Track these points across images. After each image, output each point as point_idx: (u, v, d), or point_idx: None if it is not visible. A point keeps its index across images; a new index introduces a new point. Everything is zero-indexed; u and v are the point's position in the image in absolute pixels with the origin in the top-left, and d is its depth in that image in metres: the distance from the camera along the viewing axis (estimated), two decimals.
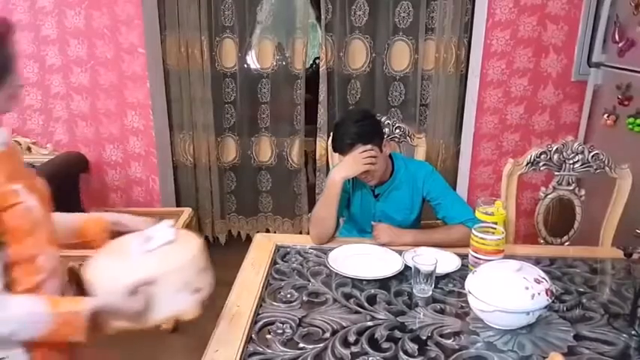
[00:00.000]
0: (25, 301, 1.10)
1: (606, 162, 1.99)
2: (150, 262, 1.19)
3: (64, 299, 1.20)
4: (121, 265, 1.21)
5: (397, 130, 2.27)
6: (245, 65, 3.28)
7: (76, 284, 2.62)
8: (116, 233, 1.39)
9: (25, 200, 1.13)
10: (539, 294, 1.28)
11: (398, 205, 1.96)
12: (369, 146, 1.80)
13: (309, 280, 1.58)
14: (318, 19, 3.11)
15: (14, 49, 1.13)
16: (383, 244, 1.79)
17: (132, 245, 1.24)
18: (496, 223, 1.60)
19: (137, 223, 1.41)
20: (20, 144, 2.93)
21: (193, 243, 1.27)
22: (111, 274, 1.20)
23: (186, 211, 2.97)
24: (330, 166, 2.42)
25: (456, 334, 1.32)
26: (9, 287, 1.11)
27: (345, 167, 1.82)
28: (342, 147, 1.85)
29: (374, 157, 1.80)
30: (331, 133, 1.96)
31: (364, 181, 1.90)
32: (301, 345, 1.27)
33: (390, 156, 1.96)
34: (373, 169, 1.84)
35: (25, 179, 1.17)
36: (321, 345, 1.26)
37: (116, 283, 1.15)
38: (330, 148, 2.37)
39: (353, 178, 1.95)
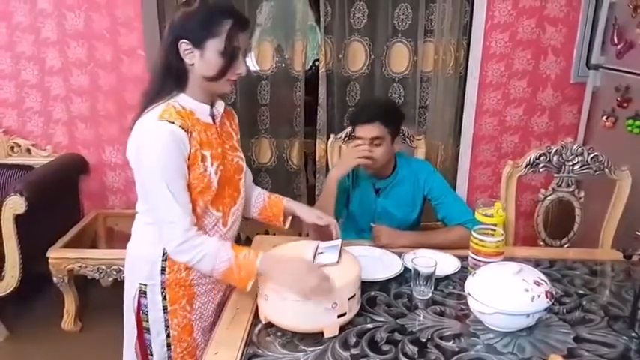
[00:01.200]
0: (216, 242, 1.35)
1: (605, 164, 2.00)
2: None
3: (244, 248, 1.37)
4: None
5: None
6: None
7: (76, 285, 2.65)
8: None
9: (207, 166, 1.36)
10: (538, 296, 1.28)
11: (399, 202, 1.98)
12: (381, 127, 1.85)
13: None
14: (318, 21, 3.11)
15: (241, 43, 1.35)
16: (382, 246, 1.80)
17: (305, 255, 1.40)
18: (495, 225, 1.61)
19: (310, 217, 1.63)
20: (20, 146, 2.93)
21: (354, 269, 1.37)
22: None
23: None
24: (330, 167, 2.42)
25: (456, 336, 1.32)
26: None
27: (340, 164, 1.92)
28: (361, 117, 1.91)
29: (372, 150, 1.86)
30: (349, 116, 1.99)
31: (363, 166, 1.92)
32: (301, 347, 1.27)
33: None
34: (370, 163, 1.88)
35: (215, 150, 1.40)
36: (321, 347, 1.26)
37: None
38: (329, 149, 2.38)
39: (353, 175, 1.98)
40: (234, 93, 3.17)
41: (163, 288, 1.43)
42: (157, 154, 1.29)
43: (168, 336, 1.46)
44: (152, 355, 1.48)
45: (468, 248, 1.63)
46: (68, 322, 2.66)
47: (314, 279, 1.26)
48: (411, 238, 1.84)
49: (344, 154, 1.86)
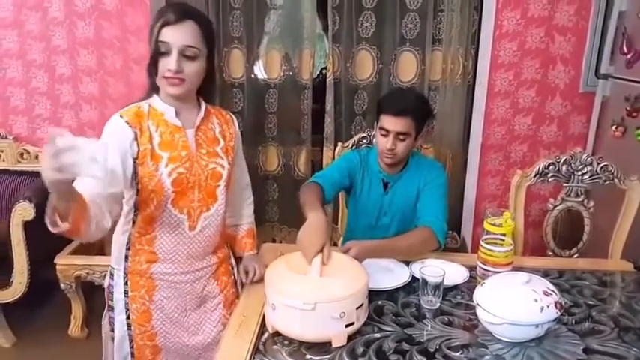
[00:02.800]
0: None
1: (615, 174, 1.99)
2: (323, 286, 1.32)
3: None
4: (302, 280, 1.35)
5: None
6: (252, 75, 3.28)
7: (83, 291, 2.69)
8: None
9: (159, 166, 1.39)
10: (548, 306, 1.27)
11: (404, 199, 1.96)
12: (410, 122, 1.81)
13: None
14: (325, 29, 3.12)
15: (169, 38, 1.36)
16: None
17: (313, 264, 1.39)
18: (504, 235, 1.60)
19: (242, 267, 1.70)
20: (29, 152, 2.95)
21: (361, 278, 1.35)
22: (290, 286, 1.31)
23: None
24: None
25: (464, 346, 1.31)
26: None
27: (301, 239, 1.50)
28: (392, 107, 1.82)
29: (395, 144, 1.83)
30: (379, 102, 1.95)
31: (384, 155, 1.88)
32: (308, 356, 1.26)
33: None
34: (390, 158, 1.86)
35: (177, 152, 1.42)
36: (328, 356, 1.26)
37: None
38: (337, 157, 2.37)
39: (362, 163, 1.98)
40: (241, 100, 3.18)
41: (126, 274, 1.52)
42: (102, 136, 1.39)
43: (128, 317, 1.54)
44: (113, 331, 1.58)
45: (432, 251, 1.71)
46: (75, 328, 2.67)
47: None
48: (374, 245, 1.68)
49: (307, 242, 1.48)
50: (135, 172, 1.39)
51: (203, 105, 1.52)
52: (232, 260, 1.73)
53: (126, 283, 1.52)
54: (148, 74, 1.42)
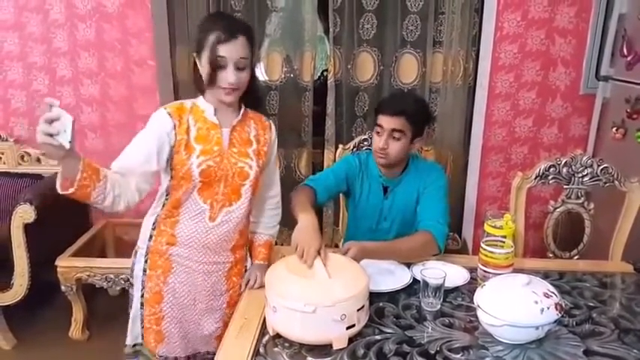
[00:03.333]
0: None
1: (615, 175, 1.99)
2: (324, 288, 1.32)
3: None
4: (302, 283, 1.34)
5: None
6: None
7: (83, 294, 2.70)
8: None
9: (191, 156, 1.51)
10: (548, 308, 1.27)
11: (404, 203, 1.95)
12: (404, 122, 1.80)
13: None
14: (326, 31, 3.12)
15: (227, 53, 1.48)
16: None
17: (316, 267, 1.40)
18: (505, 237, 1.60)
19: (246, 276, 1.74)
20: (30, 155, 2.96)
21: (362, 280, 1.36)
22: (291, 288, 1.32)
23: None
24: None
25: (465, 348, 1.31)
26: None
27: (302, 235, 1.54)
28: (388, 107, 1.83)
29: (388, 142, 1.82)
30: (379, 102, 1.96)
31: (378, 154, 1.87)
32: (309, 358, 1.27)
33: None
34: (383, 156, 1.85)
35: (210, 146, 1.54)
36: (329, 359, 1.26)
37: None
38: (338, 159, 2.37)
39: (362, 167, 1.97)
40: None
41: (147, 253, 1.62)
42: (147, 124, 1.55)
43: (142, 296, 1.63)
44: (131, 308, 1.68)
45: (432, 255, 1.70)
46: (76, 331, 2.67)
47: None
48: (374, 246, 1.68)
49: (307, 236, 1.52)
50: (170, 159, 1.53)
51: (242, 108, 1.63)
52: (248, 263, 1.77)
53: (146, 262, 1.62)
54: (195, 80, 1.56)
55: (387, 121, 1.82)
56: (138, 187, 1.48)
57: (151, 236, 1.62)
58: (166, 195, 1.60)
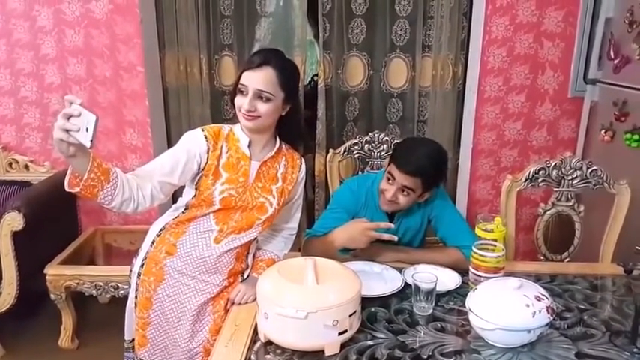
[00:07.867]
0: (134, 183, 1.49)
1: (604, 178, 2.00)
2: (315, 294, 1.31)
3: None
4: (294, 289, 1.32)
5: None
6: None
7: (73, 302, 2.67)
8: None
9: (215, 182, 1.55)
10: (540, 311, 1.27)
11: (408, 229, 1.94)
12: (418, 183, 1.75)
13: None
14: (316, 36, 3.13)
15: (247, 80, 1.53)
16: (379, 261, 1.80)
17: (308, 273, 1.36)
18: (496, 240, 1.60)
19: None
20: (18, 162, 2.93)
21: (354, 285, 1.35)
22: (282, 295, 1.31)
23: None
24: (329, 184, 2.41)
25: (457, 352, 1.31)
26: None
27: (348, 239, 1.74)
28: (405, 166, 1.74)
29: (397, 196, 1.78)
30: (396, 147, 1.94)
31: (385, 203, 1.84)
32: None
33: None
34: (392, 208, 1.85)
35: (236, 176, 1.58)
36: None
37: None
38: (328, 164, 2.37)
39: (367, 202, 1.92)
40: (232, 107, 3.17)
41: (145, 258, 1.63)
42: (180, 141, 1.58)
43: (136, 297, 1.65)
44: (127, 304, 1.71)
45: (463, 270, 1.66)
46: (65, 339, 2.64)
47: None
48: (407, 255, 1.83)
49: (356, 231, 1.72)
50: (198, 179, 1.57)
51: (277, 144, 1.66)
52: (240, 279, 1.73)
53: (142, 266, 1.63)
54: (232, 105, 1.60)
55: (400, 177, 1.75)
56: (152, 194, 1.47)
57: (153, 242, 1.63)
58: (184, 209, 1.64)
